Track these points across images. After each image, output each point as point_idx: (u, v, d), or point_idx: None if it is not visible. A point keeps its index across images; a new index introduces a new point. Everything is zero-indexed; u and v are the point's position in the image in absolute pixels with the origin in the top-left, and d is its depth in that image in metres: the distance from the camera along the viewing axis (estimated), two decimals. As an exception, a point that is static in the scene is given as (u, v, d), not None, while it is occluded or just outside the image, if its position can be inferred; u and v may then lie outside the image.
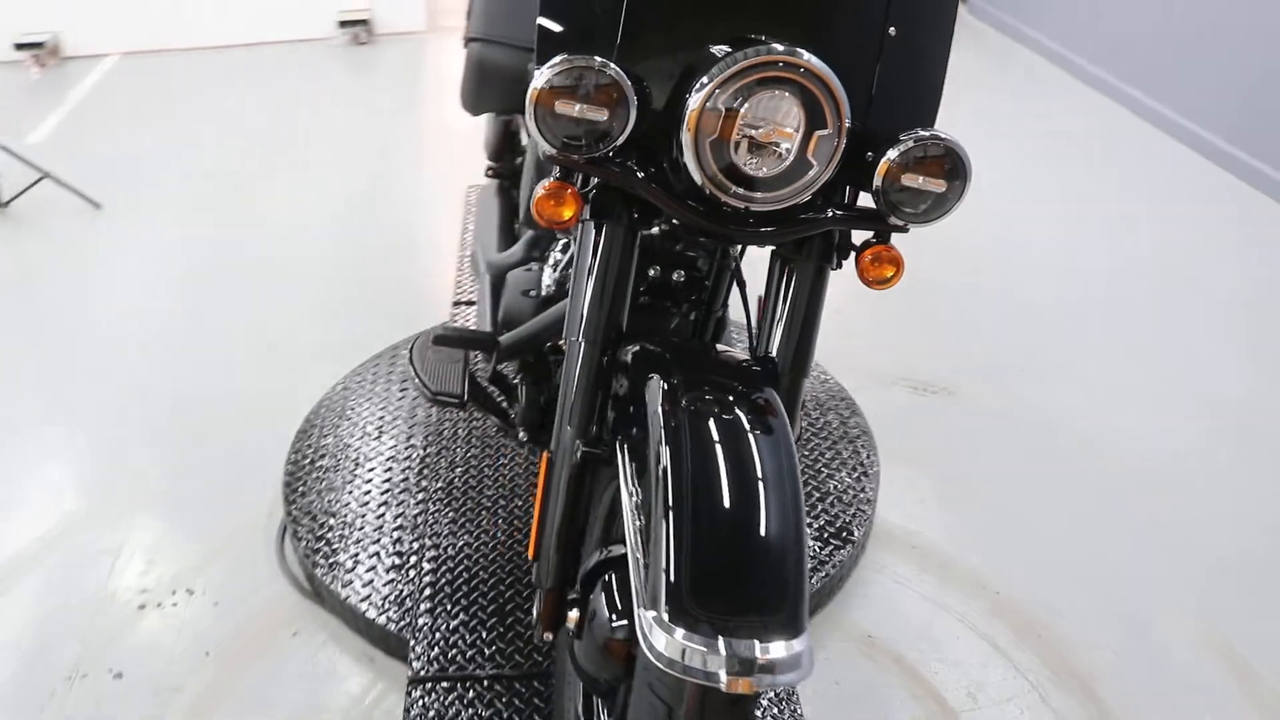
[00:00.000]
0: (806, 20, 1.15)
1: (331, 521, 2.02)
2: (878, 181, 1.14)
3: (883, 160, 1.13)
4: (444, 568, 1.89)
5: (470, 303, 2.74)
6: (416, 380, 1.79)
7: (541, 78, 1.09)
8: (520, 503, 2.05)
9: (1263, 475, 2.38)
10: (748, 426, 1.11)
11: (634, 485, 1.13)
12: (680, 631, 0.94)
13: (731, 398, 1.16)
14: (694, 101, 1.08)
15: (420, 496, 2.08)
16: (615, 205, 1.21)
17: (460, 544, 1.95)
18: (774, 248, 1.27)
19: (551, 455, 1.29)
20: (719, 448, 1.07)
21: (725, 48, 1.12)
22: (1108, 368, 2.78)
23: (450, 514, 2.02)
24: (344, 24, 5.49)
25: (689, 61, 1.13)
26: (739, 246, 1.48)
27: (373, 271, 3.15)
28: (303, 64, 5.25)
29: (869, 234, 1.23)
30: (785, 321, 1.28)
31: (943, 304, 3.05)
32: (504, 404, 1.89)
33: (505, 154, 2.42)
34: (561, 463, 1.28)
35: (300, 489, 2.11)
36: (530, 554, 1.32)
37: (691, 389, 1.16)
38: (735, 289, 1.50)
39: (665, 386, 1.16)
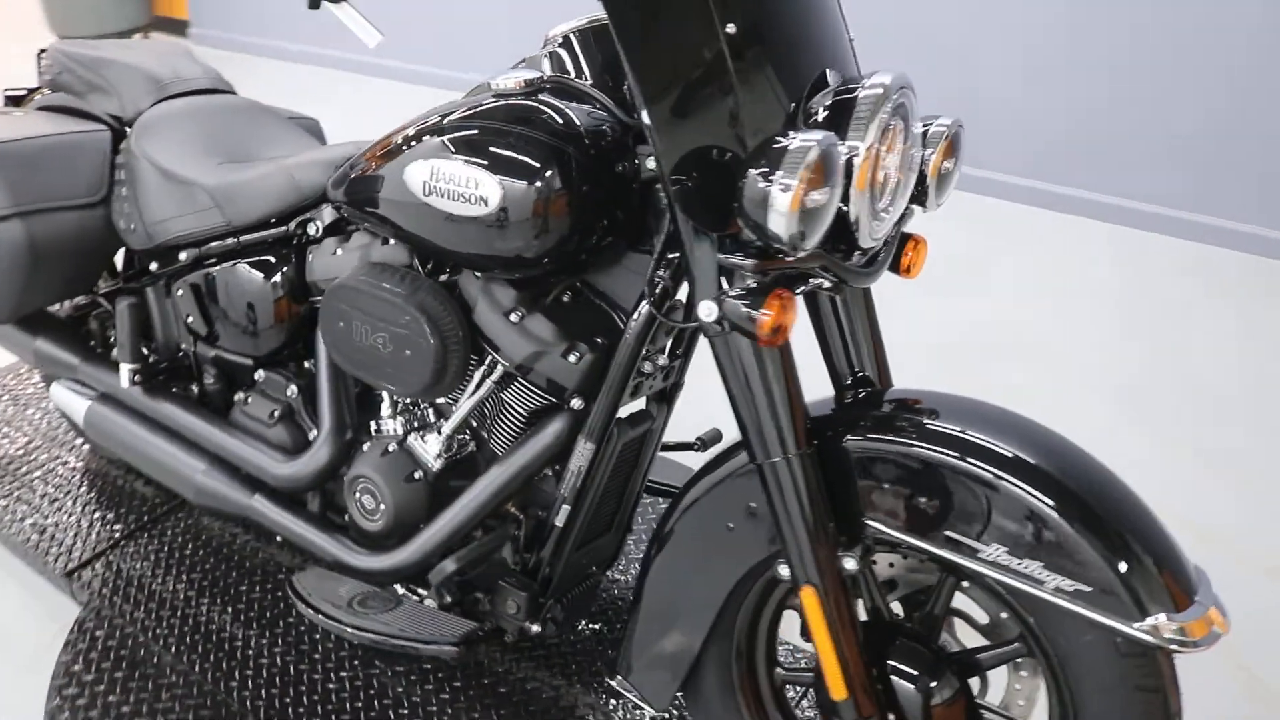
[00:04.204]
0: (834, 45, 1.18)
1: None
2: (929, 176, 1.25)
3: (934, 153, 1.23)
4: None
5: (142, 529, 1.98)
6: (408, 646, 1.34)
7: (790, 177, 0.99)
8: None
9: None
10: (1009, 416, 1.19)
11: (974, 538, 1.11)
12: (1192, 609, 1.04)
13: (941, 409, 1.21)
14: (862, 152, 1.07)
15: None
16: None
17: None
18: None
19: (815, 586, 1.17)
20: (1038, 448, 1.13)
21: (822, 94, 1.12)
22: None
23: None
24: None
25: (789, 113, 1.09)
26: None
27: None
28: None
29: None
30: (851, 340, 1.33)
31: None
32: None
33: (141, 345, 1.77)
34: (831, 587, 1.17)
35: None
36: (841, 694, 1.19)
37: (907, 430, 1.18)
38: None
39: (910, 439, 1.16)
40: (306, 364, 1.72)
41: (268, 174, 1.61)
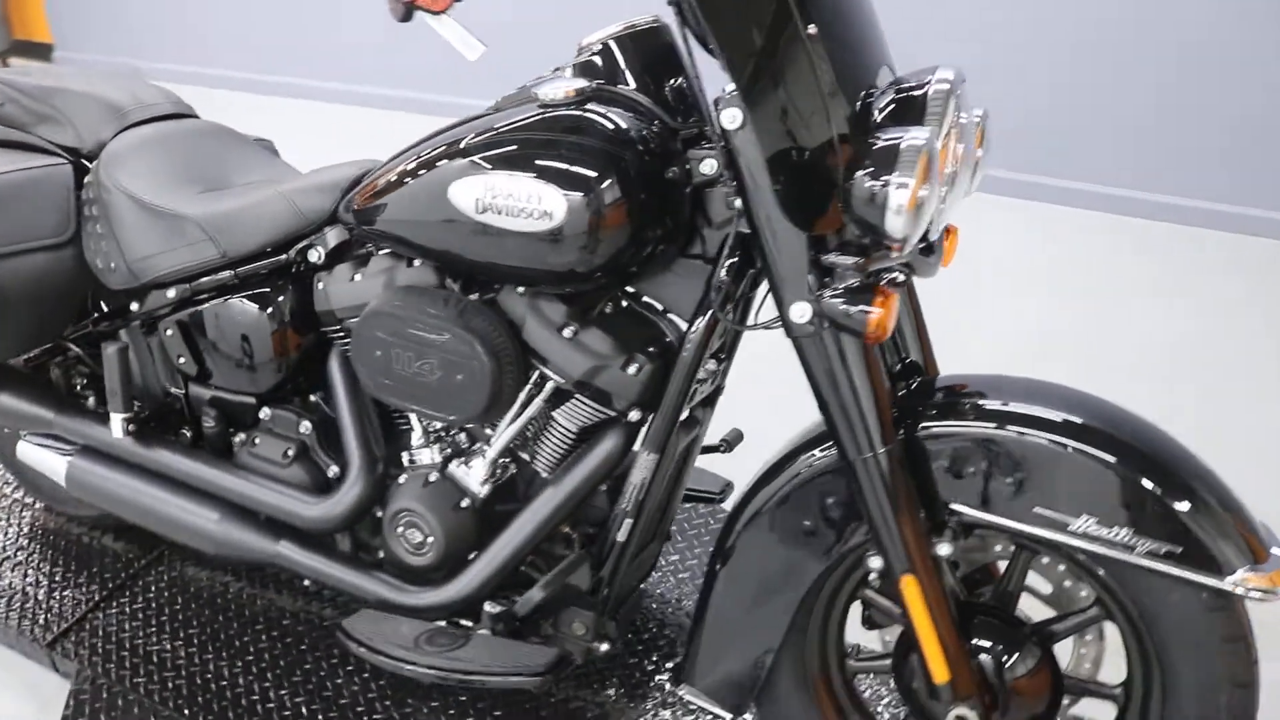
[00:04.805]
0: (882, 44, 1.21)
1: None
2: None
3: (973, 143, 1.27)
4: None
5: (121, 588, 1.83)
6: (491, 681, 1.29)
7: (908, 175, 1.03)
8: None
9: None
10: (1063, 389, 1.24)
11: (1063, 512, 1.15)
12: (1271, 560, 1.10)
13: (997, 389, 1.25)
14: (938, 145, 1.10)
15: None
16: None
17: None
18: None
19: (913, 574, 1.19)
20: (1101, 417, 1.19)
21: (879, 91, 1.16)
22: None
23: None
24: None
25: (859, 111, 1.12)
26: None
27: None
28: None
29: None
30: (897, 329, 1.36)
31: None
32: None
33: (132, 391, 1.65)
34: (928, 574, 1.20)
35: None
36: (944, 677, 1.21)
37: (975, 412, 1.22)
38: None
39: (982, 421, 1.19)
40: (312, 397, 1.64)
41: (264, 201, 1.53)
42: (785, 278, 1.14)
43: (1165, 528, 1.12)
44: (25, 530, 2.10)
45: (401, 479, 1.49)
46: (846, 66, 1.11)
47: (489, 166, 1.24)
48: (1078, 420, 1.18)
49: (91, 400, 1.81)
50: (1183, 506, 1.12)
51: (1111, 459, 1.14)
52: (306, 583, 1.58)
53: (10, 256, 1.58)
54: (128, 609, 1.89)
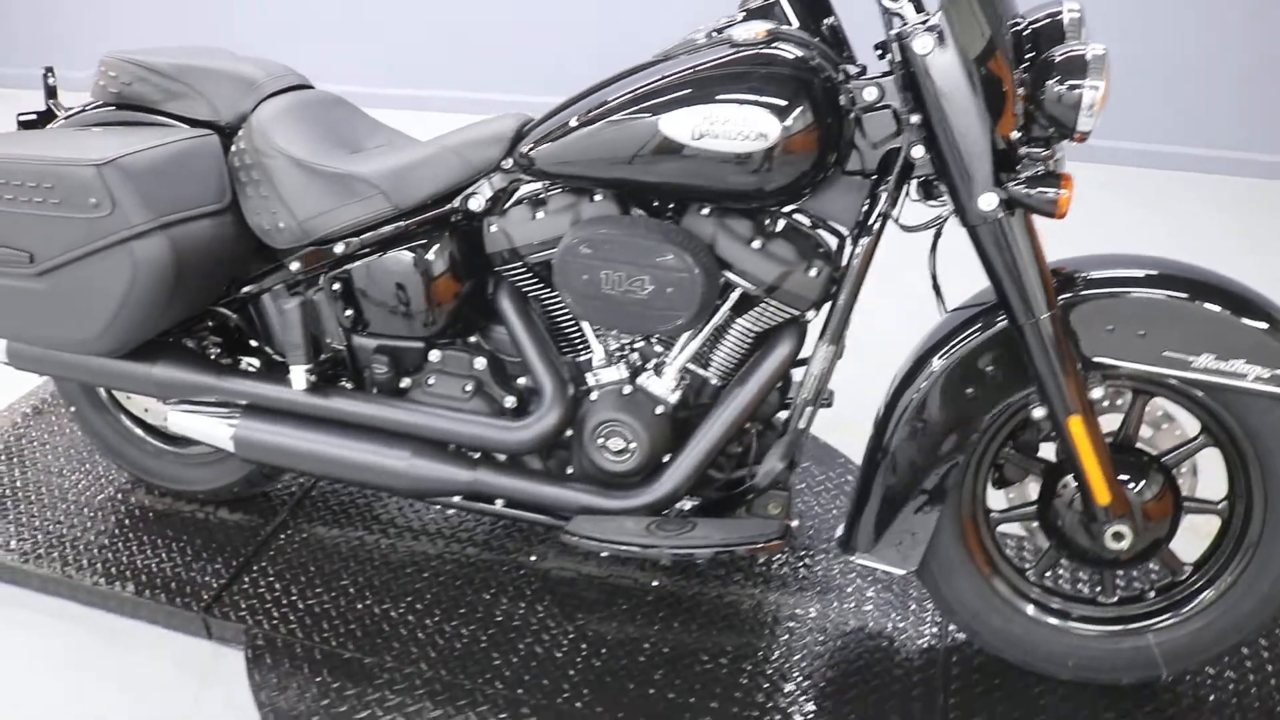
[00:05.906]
0: None
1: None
2: None
3: None
4: None
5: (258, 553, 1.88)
6: (728, 550, 1.47)
7: (1098, 79, 1.28)
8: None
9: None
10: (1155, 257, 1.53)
11: (1187, 352, 1.42)
12: None
13: (1101, 264, 1.53)
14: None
15: None
16: None
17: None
18: None
19: (1078, 415, 1.44)
20: (1195, 273, 1.47)
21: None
22: None
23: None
24: None
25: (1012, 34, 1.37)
26: None
27: None
28: None
29: None
30: None
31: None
32: None
33: (312, 341, 1.73)
34: (1088, 413, 1.46)
35: None
36: (1106, 499, 1.47)
37: (1090, 282, 1.49)
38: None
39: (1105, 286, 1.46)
40: (472, 338, 1.76)
41: (433, 156, 1.65)
42: (972, 175, 1.37)
43: (1269, 354, 1.40)
44: (139, 514, 2.11)
45: (594, 396, 1.65)
46: (1001, 2, 1.37)
47: (702, 99, 1.42)
48: (1176, 275, 1.46)
49: (243, 362, 1.87)
50: (1276, 336, 1.41)
51: (1216, 303, 1.41)
52: (499, 503, 1.70)
53: (182, 223, 1.64)
54: (271, 571, 1.95)
